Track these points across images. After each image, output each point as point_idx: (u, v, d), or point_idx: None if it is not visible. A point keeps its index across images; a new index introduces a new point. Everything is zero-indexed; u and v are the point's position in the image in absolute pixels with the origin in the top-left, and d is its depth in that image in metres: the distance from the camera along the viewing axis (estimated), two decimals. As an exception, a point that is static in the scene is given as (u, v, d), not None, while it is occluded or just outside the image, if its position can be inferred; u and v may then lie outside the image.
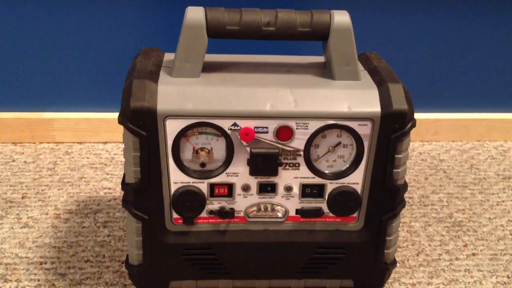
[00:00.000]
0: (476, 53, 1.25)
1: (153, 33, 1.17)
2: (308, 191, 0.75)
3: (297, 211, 0.76)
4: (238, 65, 0.78)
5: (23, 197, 1.03)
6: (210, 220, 0.75)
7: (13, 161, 1.15)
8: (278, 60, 0.80)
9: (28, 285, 0.83)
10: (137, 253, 0.76)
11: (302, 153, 0.72)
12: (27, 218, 0.97)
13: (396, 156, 0.72)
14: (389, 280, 0.86)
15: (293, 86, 0.71)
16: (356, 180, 0.74)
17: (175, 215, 0.74)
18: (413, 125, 0.72)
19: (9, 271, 0.85)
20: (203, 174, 0.73)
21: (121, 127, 0.70)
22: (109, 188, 1.07)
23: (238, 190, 0.74)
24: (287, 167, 0.73)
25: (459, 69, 1.26)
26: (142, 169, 0.71)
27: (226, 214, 0.74)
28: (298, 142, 0.71)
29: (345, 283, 0.81)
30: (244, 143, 0.71)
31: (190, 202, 0.73)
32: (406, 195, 0.96)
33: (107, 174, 1.12)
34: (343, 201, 0.75)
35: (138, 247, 0.76)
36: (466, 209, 1.05)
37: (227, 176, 0.73)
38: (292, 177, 0.73)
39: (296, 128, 0.70)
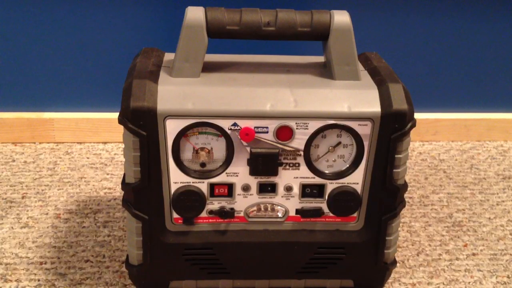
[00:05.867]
0: (476, 53, 1.25)
1: (153, 33, 1.17)
2: (308, 191, 0.75)
3: (297, 211, 0.76)
4: (238, 65, 0.78)
5: (23, 197, 1.03)
6: (210, 220, 0.75)
7: (13, 161, 1.15)
8: (278, 60, 0.80)
9: (28, 285, 0.83)
10: (137, 253, 0.76)
11: (302, 153, 0.72)
12: (27, 218, 0.97)
13: (396, 156, 0.72)
14: (389, 280, 0.86)
15: (293, 86, 0.71)
16: (356, 180, 0.74)
17: (175, 215, 0.74)
18: (413, 125, 0.72)
19: (9, 271, 0.85)
20: (203, 174, 0.73)
21: (121, 127, 0.70)
22: (109, 188, 1.07)
23: (238, 190, 0.74)
24: (287, 167, 0.73)
25: (459, 69, 1.26)
26: (142, 169, 0.71)
27: (226, 214, 0.74)
28: (298, 142, 0.71)
29: (345, 283, 0.81)
30: (244, 143, 0.71)
31: (190, 202, 0.73)
32: (406, 195, 0.96)
33: (107, 174, 1.12)
34: (343, 201, 0.75)
35: (138, 247, 0.76)
36: (466, 209, 1.05)
37: (227, 176, 0.73)
38: (292, 177, 0.73)
39: (296, 128, 0.70)
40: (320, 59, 0.81)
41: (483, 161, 1.23)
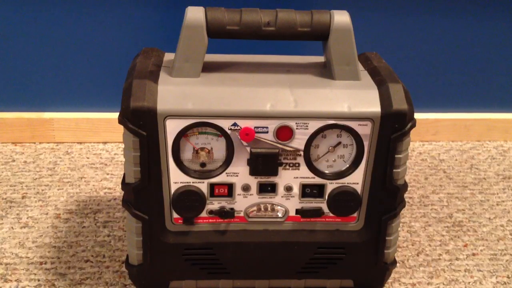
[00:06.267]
0: (476, 53, 1.25)
1: (153, 33, 1.17)
2: (308, 191, 0.75)
3: (297, 211, 0.76)
4: (238, 65, 0.78)
5: (23, 197, 1.03)
6: (210, 220, 0.75)
7: (13, 161, 1.15)
8: (278, 60, 0.80)
9: (28, 285, 0.83)
10: (137, 253, 0.76)
11: (302, 153, 0.72)
12: (27, 218, 0.97)
13: (396, 156, 0.72)
14: (389, 280, 0.86)
15: (293, 86, 0.71)
16: (356, 180, 0.74)
17: (175, 215, 0.74)
18: (413, 125, 0.72)
19: (9, 271, 0.85)
20: (203, 174, 0.73)
21: (121, 127, 0.70)
22: (109, 188, 1.07)
23: (238, 190, 0.74)
24: (287, 167, 0.73)
25: (459, 69, 1.26)
26: (142, 169, 0.71)
27: (226, 214, 0.74)
28: (298, 142, 0.71)
29: (345, 283, 0.81)
30: (244, 143, 0.71)
31: (190, 202, 0.73)
32: (406, 195, 0.96)
33: (107, 174, 1.12)
34: (343, 201, 0.75)
35: (138, 247, 0.76)
36: (466, 209, 1.05)
37: (227, 176, 0.73)
38: (292, 177, 0.73)
39: (296, 128, 0.70)
40: (320, 59, 0.81)
41: (483, 161, 1.23)
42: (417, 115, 0.74)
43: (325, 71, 0.76)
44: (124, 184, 0.73)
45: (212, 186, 0.73)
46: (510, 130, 1.31)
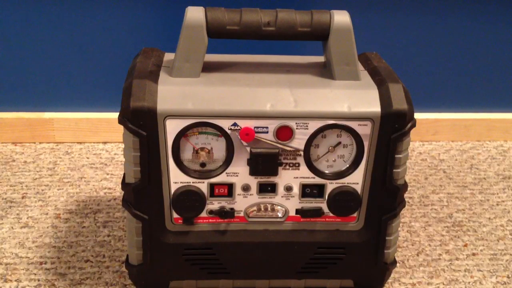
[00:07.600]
0: (476, 53, 1.25)
1: (153, 33, 1.17)
2: (308, 191, 0.75)
3: (297, 211, 0.76)
4: (238, 65, 0.78)
5: (23, 197, 1.03)
6: (210, 220, 0.75)
7: (13, 161, 1.15)
8: (278, 60, 0.80)
9: (28, 285, 0.83)
10: (137, 253, 0.76)
11: (302, 153, 0.72)
12: (27, 218, 0.97)
13: (396, 156, 0.72)
14: (389, 280, 0.86)
15: (293, 86, 0.71)
16: (356, 180, 0.74)
17: (175, 215, 0.74)
18: (413, 125, 0.72)
19: (9, 271, 0.85)
20: (203, 174, 0.73)
21: (121, 127, 0.70)
22: (109, 188, 1.07)
23: (238, 190, 0.74)
24: (287, 167, 0.73)
25: (459, 69, 1.26)
26: (142, 169, 0.71)
27: (226, 214, 0.74)
28: (298, 142, 0.71)
29: (345, 283, 0.82)
30: (244, 143, 0.71)
31: (190, 202, 0.73)
32: (406, 195, 0.96)
33: (107, 174, 1.12)
34: (343, 201, 0.75)
35: (138, 247, 0.76)
36: (466, 209, 1.05)
37: (227, 176, 0.73)
38: (292, 177, 0.73)
39: (296, 128, 0.70)
40: (320, 59, 0.81)
41: (483, 161, 1.23)
42: (417, 115, 0.74)
43: (325, 71, 0.76)
44: (124, 184, 0.73)
45: (212, 186, 0.73)
46: (510, 130, 1.31)
